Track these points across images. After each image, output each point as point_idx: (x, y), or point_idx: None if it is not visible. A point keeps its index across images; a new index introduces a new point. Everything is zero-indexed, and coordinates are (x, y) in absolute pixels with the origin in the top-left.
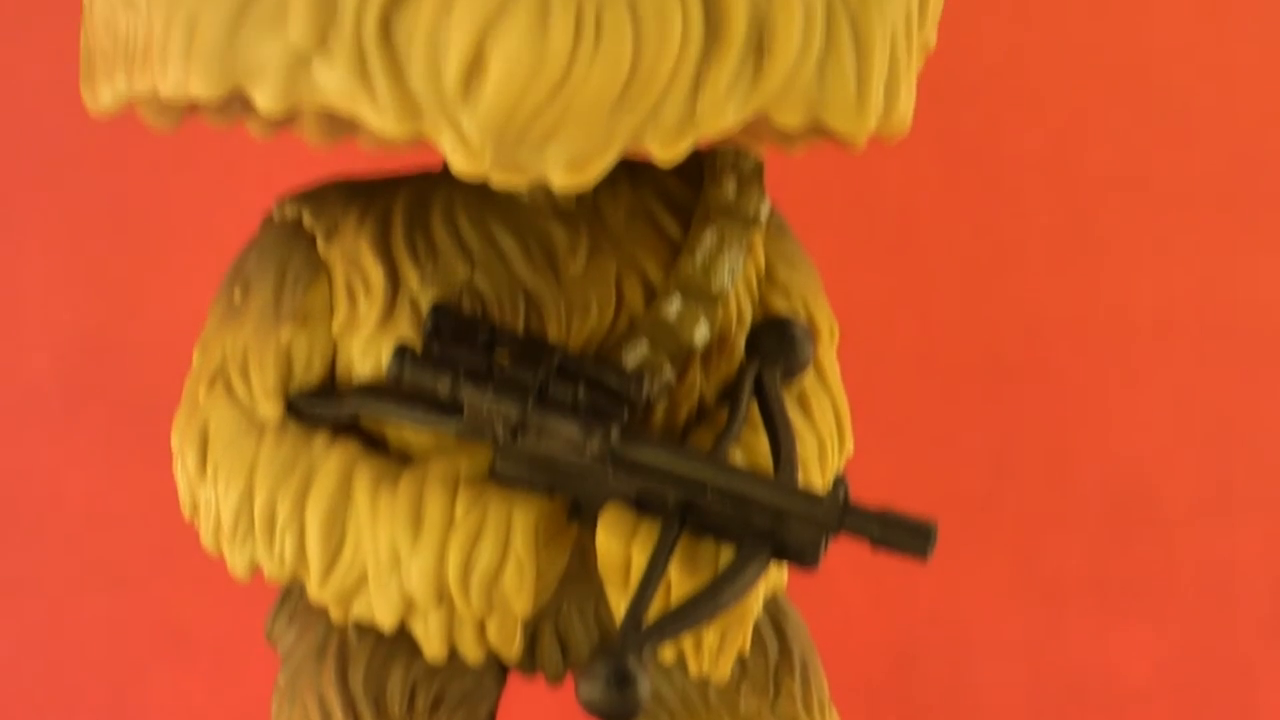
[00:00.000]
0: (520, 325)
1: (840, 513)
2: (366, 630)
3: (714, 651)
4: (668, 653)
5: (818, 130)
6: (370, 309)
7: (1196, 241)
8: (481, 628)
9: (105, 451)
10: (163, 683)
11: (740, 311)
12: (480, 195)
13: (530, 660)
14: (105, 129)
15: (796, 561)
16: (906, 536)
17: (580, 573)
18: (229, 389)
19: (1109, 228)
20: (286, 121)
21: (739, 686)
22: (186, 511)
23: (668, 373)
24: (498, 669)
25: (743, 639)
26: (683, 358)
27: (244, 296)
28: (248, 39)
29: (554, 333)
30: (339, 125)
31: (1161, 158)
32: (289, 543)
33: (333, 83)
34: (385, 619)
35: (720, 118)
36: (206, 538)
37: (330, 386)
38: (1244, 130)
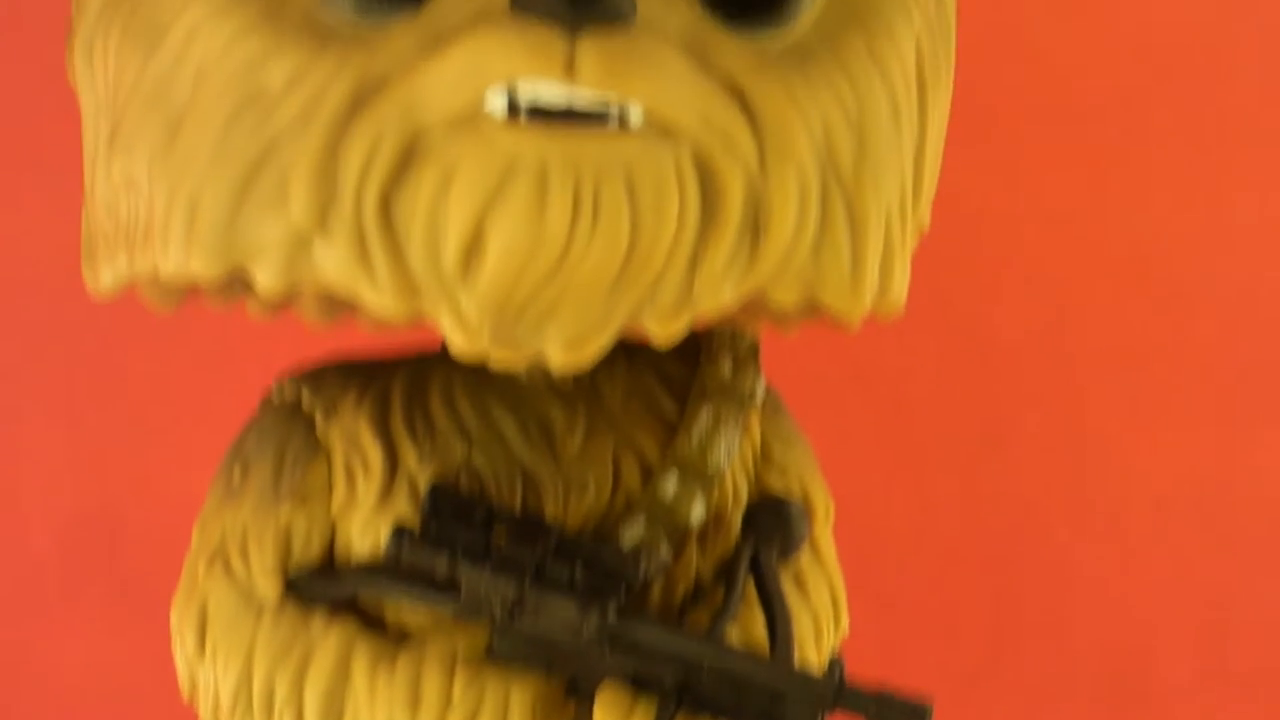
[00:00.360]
0: (518, 504)
1: (836, 692)
2: None
3: None
4: None
5: (813, 309)
6: (369, 488)
7: (1191, 419)
8: None
9: (106, 631)
10: None
11: (736, 490)
12: (478, 375)
13: None
14: (106, 309)
15: None
16: (902, 716)
17: None
18: (228, 568)
19: (1104, 405)
20: (286, 301)
21: None
22: (185, 692)
23: (664, 552)
24: None
25: None
26: (679, 536)
27: (243, 476)
28: (249, 219)
29: (551, 512)
30: (338, 305)
31: (1156, 336)
32: None
33: (333, 262)
34: None
35: (717, 296)
36: (205, 718)
37: (329, 565)
38: (1238, 311)
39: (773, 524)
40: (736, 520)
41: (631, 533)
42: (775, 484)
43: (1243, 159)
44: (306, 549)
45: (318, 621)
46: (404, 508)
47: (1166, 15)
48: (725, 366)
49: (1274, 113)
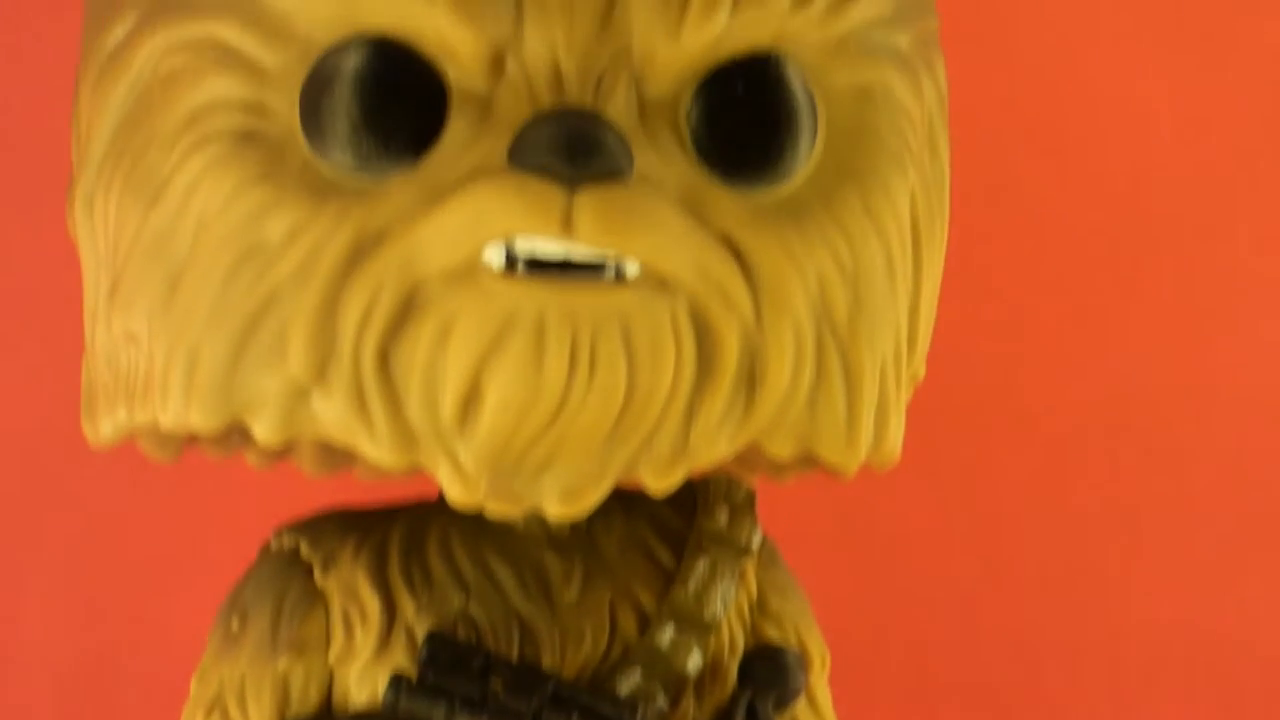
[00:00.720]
0: (515, 653)
1: None
2: None
3: None
4: None
5: (809, 461)
6: (366, 639)
7: (1187, 567)
8: None
9: None
10: None
11: (733, 640)
12: (476, 524)
13: None
14: (104, 459)
15: None
16: None
17: None
18: (226, 718)
19: (1100, 554)
20: (285, 452)
21: None
22: None
23: (661, 701)
24: None
25: None
26: (676, 686)
27: (241, 626)
28: (247, 372)
29: (548, 661)
30: (336, 455)
31: (1151, 485)
32: None
33: (331, 415)
34: None
35: (713, 449)
36: None
37: (326, 715)
38: (1235, 459)
39: (769, 674)
40: (733, 670)
41: (628, 682)
42: (771, 634)
43: (1237, 311)
44: (304, 699)
45: None
46: (401, 658)
47: (1161, 168)
48: (721, 517)
49: (1267, 267)
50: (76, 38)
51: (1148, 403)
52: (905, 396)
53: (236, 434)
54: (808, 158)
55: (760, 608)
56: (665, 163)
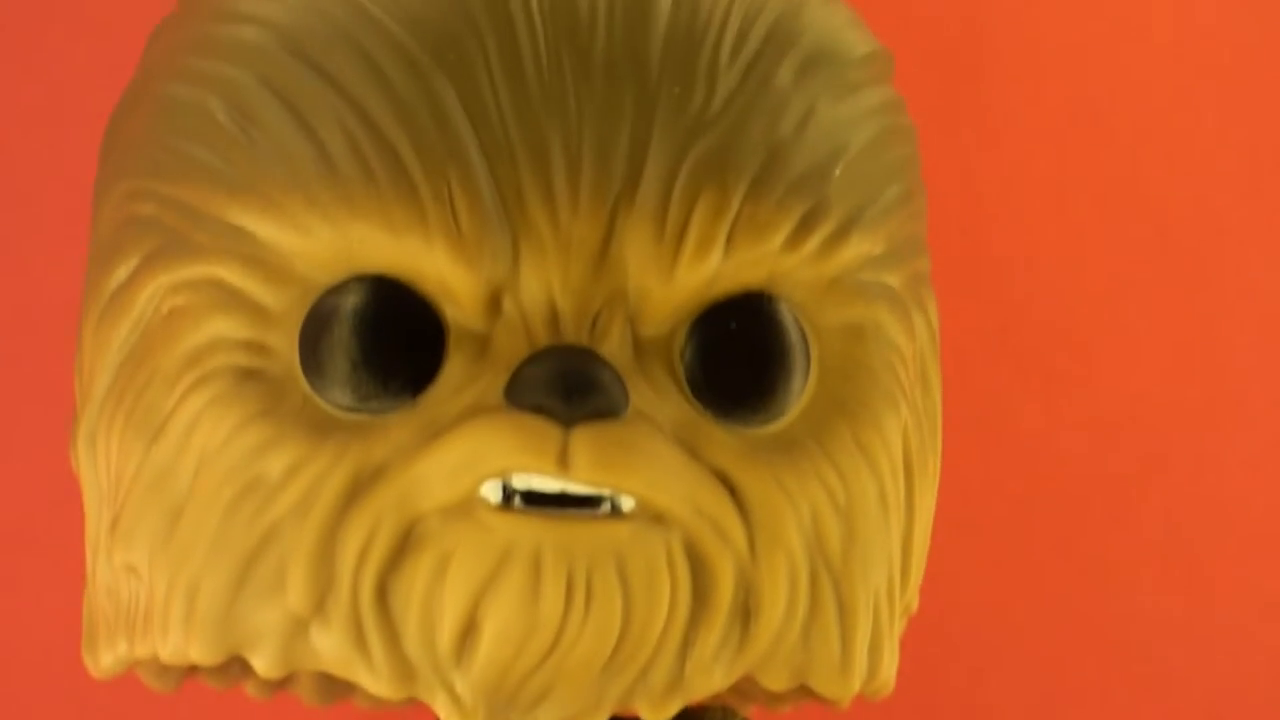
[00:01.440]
0: None
1: None
2: None
3: None
4: None
5: (803, 691)
6: None
7: None
8: None
9: None
10: None
11: None
12: None
13: None
14: (106, 687)
15: None
16: None
17: None
18: None
19: None
20: (284, 683)
21: None
22: None
23: None
24: None
25: None
26: None
27: None
28: (247, 606)
29: None
30: (335, 686)
31: (1143, 693)
32: None
33: (330, 648)
34: None
35: (708, 681)
36: None
37: None
38: (1232, 697)
39: None
40: None
41: None
42: None
43: (1231, 545)
44: None
45: None
46: None
47: (1154, 401)
48: None
49: (1262, 500)
50: (79, 279)
51: (1143, 636)
52: (899, 627)
53: (236, 666)
54: (800, 394)
55: None
56: (660, 399)
